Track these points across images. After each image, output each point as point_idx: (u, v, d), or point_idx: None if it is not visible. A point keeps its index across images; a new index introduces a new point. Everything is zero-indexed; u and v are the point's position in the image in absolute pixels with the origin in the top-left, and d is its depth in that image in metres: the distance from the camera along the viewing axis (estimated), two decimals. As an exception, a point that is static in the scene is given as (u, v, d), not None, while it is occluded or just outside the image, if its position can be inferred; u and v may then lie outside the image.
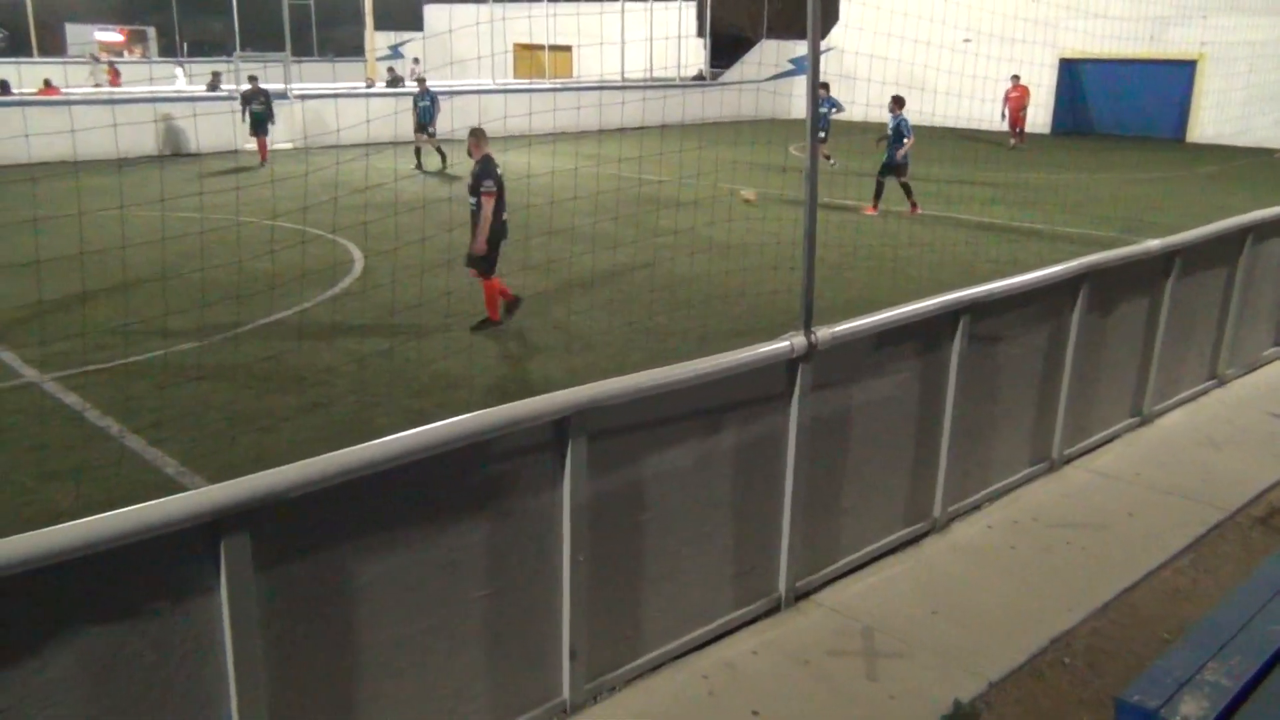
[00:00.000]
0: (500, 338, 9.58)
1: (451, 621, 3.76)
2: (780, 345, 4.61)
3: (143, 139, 22.06)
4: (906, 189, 16.46)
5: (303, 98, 24.34)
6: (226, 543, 3.12)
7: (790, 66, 36.01)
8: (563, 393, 3.92)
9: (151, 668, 3.07)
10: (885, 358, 5.22)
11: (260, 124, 21.48)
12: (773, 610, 4.91)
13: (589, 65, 34.60)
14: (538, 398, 3.89)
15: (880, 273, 12.00)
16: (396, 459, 3.46)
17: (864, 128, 20.15)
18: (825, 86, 19.51)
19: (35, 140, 16.47)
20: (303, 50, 33.02)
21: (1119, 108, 30.90)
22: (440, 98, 21.58)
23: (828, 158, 20.47)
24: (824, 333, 4.72)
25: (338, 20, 41.69)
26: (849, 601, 5.03)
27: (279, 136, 22.84)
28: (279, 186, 14.75)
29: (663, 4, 34.96)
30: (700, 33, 35.65)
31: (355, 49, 38.56)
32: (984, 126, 27.58)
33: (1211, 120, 29.01)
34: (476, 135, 9.54)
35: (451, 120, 18.95)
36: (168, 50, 41.38)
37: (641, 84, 31.00)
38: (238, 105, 22.22)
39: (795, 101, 35.78)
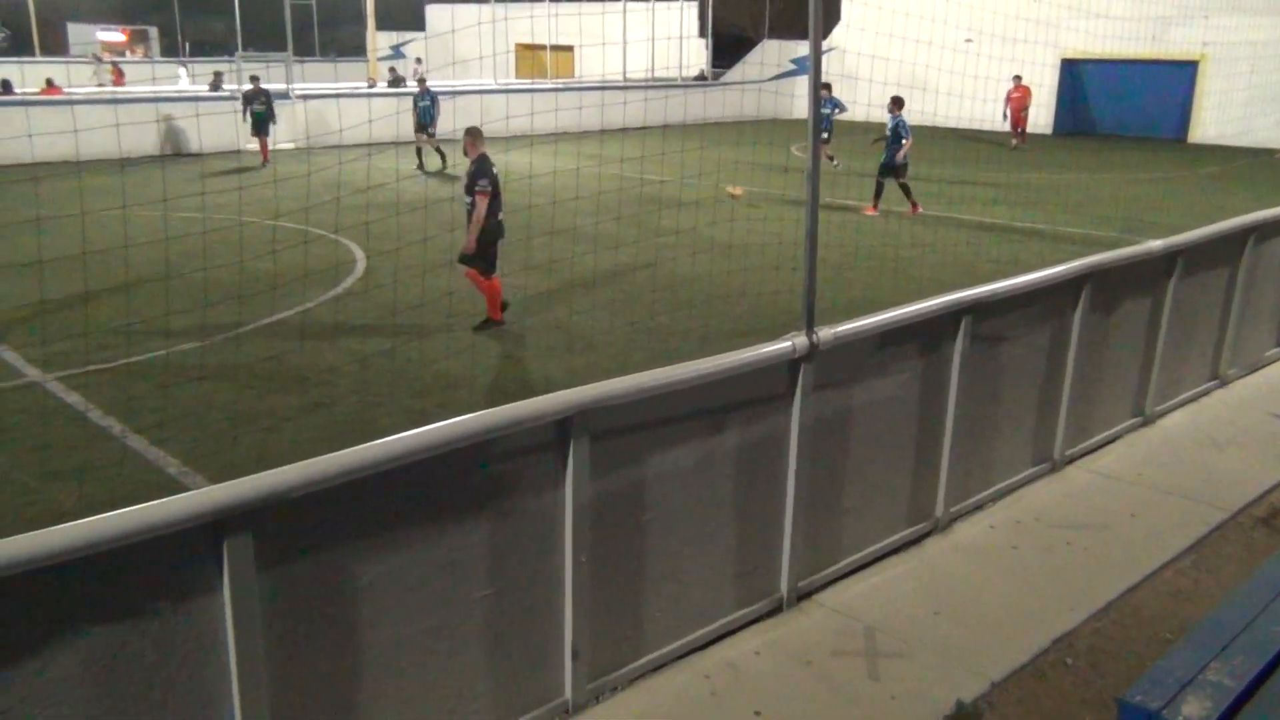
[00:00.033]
0: (502, 338, 9.58)
1: (453, 621, 3.76)
2: (782, 345, 4.61)
3: (144, 139, 22.10)
4: (906, 190, 16.45)
5: (305, 98, 24.35)
6: (229, 543, 3.12)
7: (792, 67, 36.03)
8: (565, 393, 3.92)
9: (153, 668, 3.07)
10: (887, 358, 5.22)
11: (262, 124, 21.53)
12: (775, 610, 4.91)
13: (591, 65, 34.69)
14: (540, 398, 3.89)
15: (882, 273, 12.00)
16: (398, 459, 3.46)
17: (866, 128, 20.14)
18: (827, 87, 19.49)
19: (38, 140, 16.48)
20: (304, 50, 33.08)
21: (1120, 108, 30.90)
22: (442, 98, 21.56)
23: (831, 158, 20.43)
24: (826, 333, 4.72)
25: (339, 20, 41.75)
26: (851, 602, 5.03)
27: (281, 136, 22.88)
28: (281, 186, 14.78)
29: (664, 4, 34.95)
30: (702, 33, 35.64)
31: (357, 49, 38.60)
32: (986, 127, 27.63)
33: (1213, 120, 29.01)
34: (472, 134, 9.53)
35: (454, 120, 18.93)
36: (169, 50, 41.40)
37: (643, 84, 31.03)
38: (239, 105, 22.25)
39: (797, 102, 35.76)
